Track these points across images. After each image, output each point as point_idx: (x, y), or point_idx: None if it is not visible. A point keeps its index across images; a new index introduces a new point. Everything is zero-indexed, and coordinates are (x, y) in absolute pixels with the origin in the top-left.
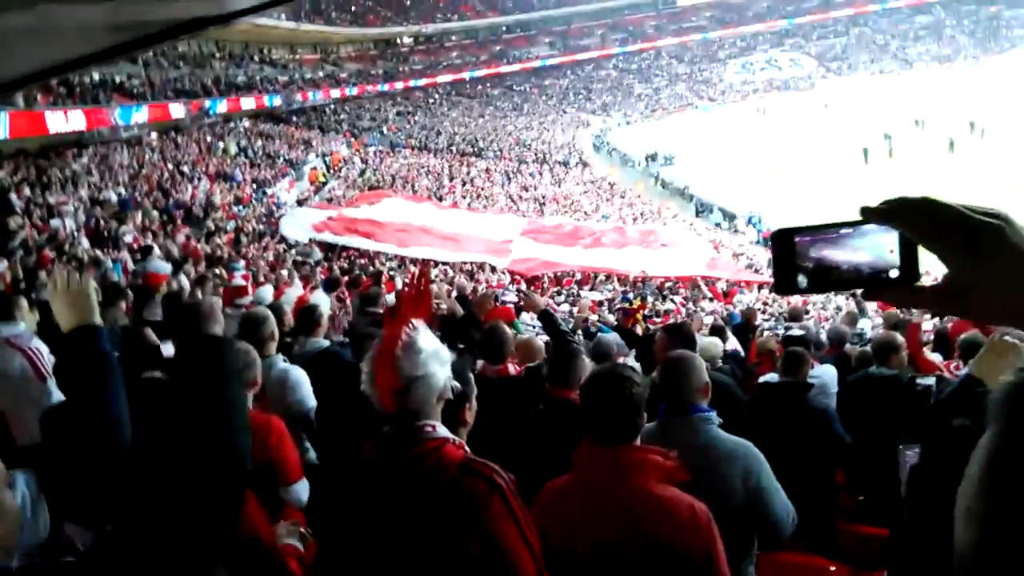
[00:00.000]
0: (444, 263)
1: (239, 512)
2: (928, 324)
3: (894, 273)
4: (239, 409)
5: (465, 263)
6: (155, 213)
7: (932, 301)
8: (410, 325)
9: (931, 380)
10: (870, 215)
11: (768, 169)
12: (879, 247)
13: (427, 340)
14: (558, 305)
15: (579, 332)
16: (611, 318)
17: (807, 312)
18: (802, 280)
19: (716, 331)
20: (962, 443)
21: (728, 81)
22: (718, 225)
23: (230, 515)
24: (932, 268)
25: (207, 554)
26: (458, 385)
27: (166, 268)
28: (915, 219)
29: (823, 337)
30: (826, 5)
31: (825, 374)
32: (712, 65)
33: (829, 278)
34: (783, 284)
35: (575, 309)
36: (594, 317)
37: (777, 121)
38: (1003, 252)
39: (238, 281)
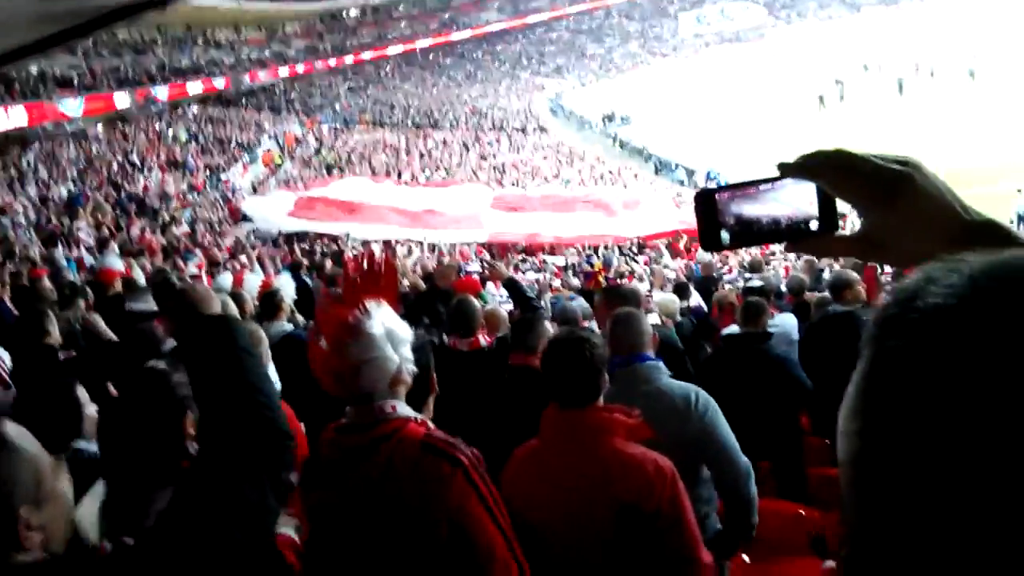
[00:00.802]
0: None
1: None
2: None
3: (814, 225)
4: (269, 383)
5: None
6: (107, 207)
7: (852, 250)
8: (361, 306)
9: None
10: (786, 170)
11: (724, 123)
12: (798, 200)
13: (378, 323)
14: (523, 273)
15: (545, 297)
16: (576, 282)
17: (768, 263)
18: (725, 236)
19: (679, 288)
20: None
21: (680, 36)
22: (682, 183)
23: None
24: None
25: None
26: (415, 368)
27: (119, 264)
28: (829, 172)
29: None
30: None
31: (785, 323)
32: (663, 20)
33: (751, 232)
34: (708, 240)
35: (540, 275)
36: (558, 283)
37: (731, 74)
38: (914, 200)
39: (191, 271)
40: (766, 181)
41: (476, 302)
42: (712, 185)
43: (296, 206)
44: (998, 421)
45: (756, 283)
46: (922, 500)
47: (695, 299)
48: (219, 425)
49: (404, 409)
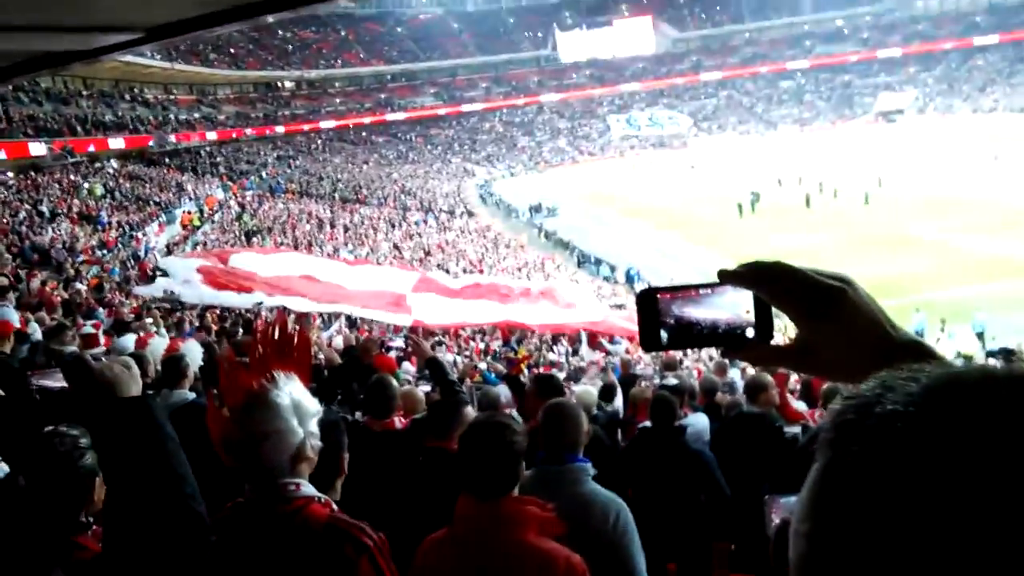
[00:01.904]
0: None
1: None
2: (795, 375)
3: (750, 332)
4: (189, 470)
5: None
6: (8, 256)
7: (785, 359)
8: (268, 377)
9: (797, 429)
10: (726, 278)
11: (645, 222)
12: (736, 307)
13: (285, 394)
14: (442, 353)
15: (466, 381)
16: (500, 366)
17: (681, 363)
18: (664, 336)
19: (606, 389)
20: None
21: (608, 137)
22: (606, 279)
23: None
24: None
25: None
26: (320, 444)
27: (13, 316)
28: (767, 282)
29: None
30: (697, 68)
31: (698, 422)
32: (592, 121)
33: (689, 334)
34: (648, 341)
35: (458, 358)
36: (483, 365)
37: (654, 177)
38: (847, 314)
39: (87, 330)
40: (706, 286)
41: (395, 382)
42: (643, 286)
43: (204, 272)
44: (948, 527)
45: (671, 382)
46: None
47: (618, 400)
48: (136, 517)
49: (308, 488)
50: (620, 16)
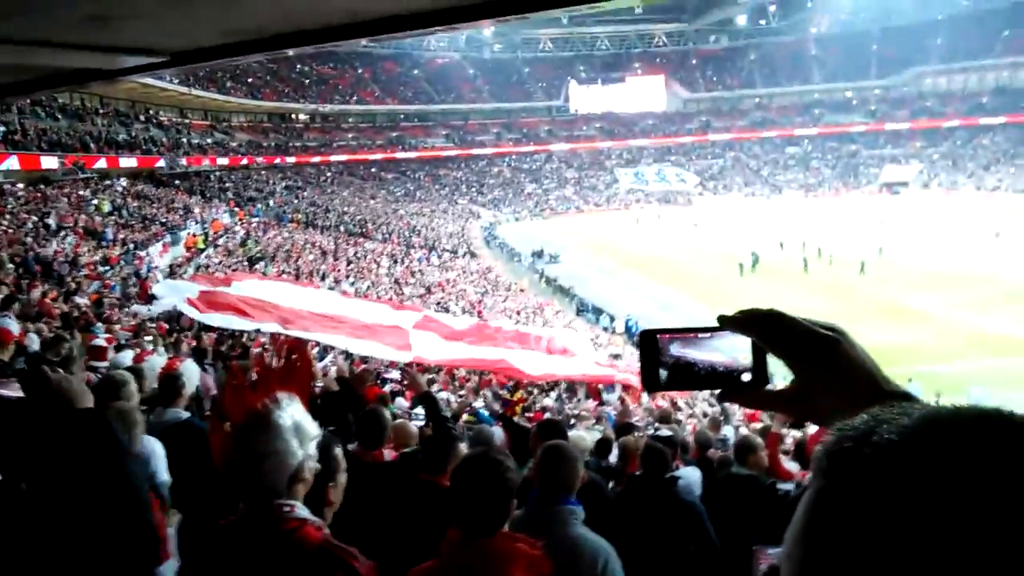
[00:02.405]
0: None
1: None
2: (790, 437)
3: (747, 376)
4: (141, 481)
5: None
6: (11, 266)
7: (778, 405)
8: (271, 398)
9: (791, 486)
10: (725, 323)
11: (645, 275)
12: (734, 351)
13: (287, 415)
14: (436, 391)
15: (460, 419)
16: (496, 406)
17: (677, 418)
18: (664, 376)
19: (603, 444)
20: None
21: (615, 188)
22: (606, 329)
23: None
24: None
25: None
26: (318, 466)
27: (13, 325)
28: (764, 328)
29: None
30: (706, 128)
31: (689, 476)
32: (599, 172)
33: (688, 375)
34: (648, 380)
35: (453, 396)
36: (479, 403)
37: (658, 232)
38: (840, 363)
39: (99, 342)
40: (707, 329)
41: (388, 414)
42: (646, 327)
43: (204, 296)
44: (946, 554)
45: (665, 433)
46: None
47: (613, 455)
48: (89, 524)
49: (302, 510)
50: (633, 74)
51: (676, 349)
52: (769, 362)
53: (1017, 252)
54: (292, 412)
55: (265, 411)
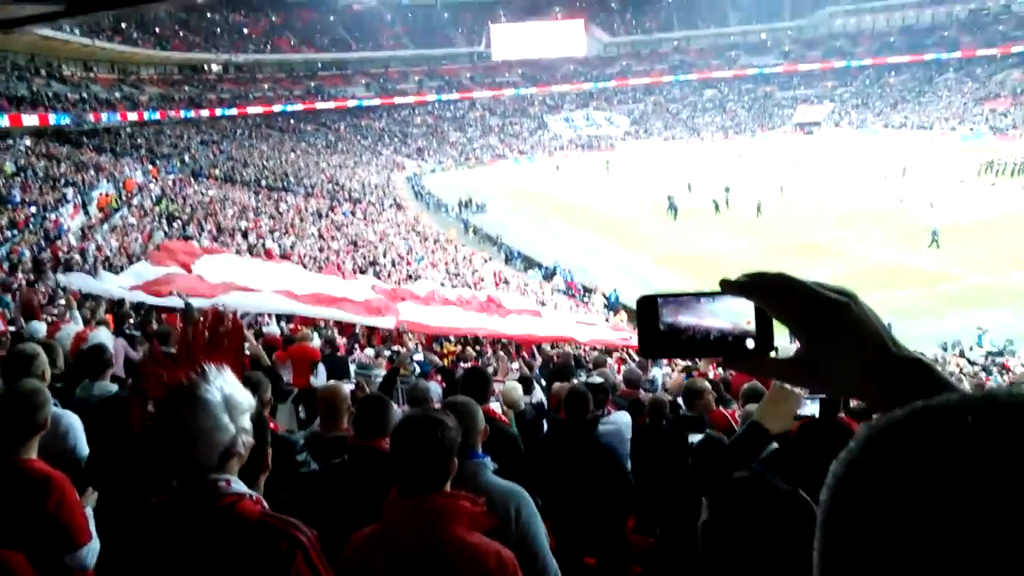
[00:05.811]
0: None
1: None
2: (711, 374)
3: (750, 343)
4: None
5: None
6: None
7: (783, 373)
8: (198, 368)
9: (698, 437)
10: (728, 287)
11: (572, 221)
12: (736, 317)
13: (215, 388)
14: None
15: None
16: (434, 358)
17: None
18: (663, 343)
19: (524, 381)
20: (746, 495)
21: (538, 136)
22: (545, 278)
23: None
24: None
25: None
26: (252, 440)
27: None
28: (770, 293)
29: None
30: (627, 72)
31: (620, 420)
32: (523, 119)
33: (688, 342)
34: (646, 346)
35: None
36: (419, 357)
37: (580, 177)
38: (849, 329)
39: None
40: (708, 294)
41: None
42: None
43: (166, 280)
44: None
45: (596, 380)
46: None
47: (538, 394)
48: None
49: (238, 485)
50: (553, 17)
51: (676, 315)
52: (775, 328)
53: (920, 187)
54: (221, 384)
55: (191, 385)
